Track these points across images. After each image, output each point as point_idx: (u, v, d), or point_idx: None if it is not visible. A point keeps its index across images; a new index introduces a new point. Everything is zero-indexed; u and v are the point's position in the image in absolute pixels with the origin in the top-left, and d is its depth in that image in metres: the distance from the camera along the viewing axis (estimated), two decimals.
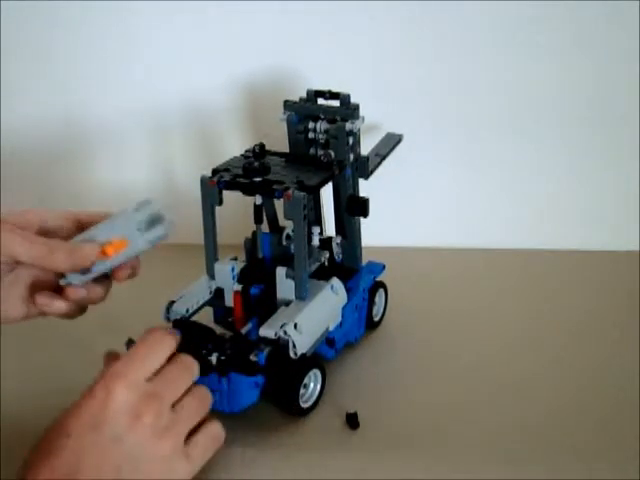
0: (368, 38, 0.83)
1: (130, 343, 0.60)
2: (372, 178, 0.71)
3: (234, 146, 0.82)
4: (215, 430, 0.52)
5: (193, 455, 0.49)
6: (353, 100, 0.68)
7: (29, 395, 0.65)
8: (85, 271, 0.54)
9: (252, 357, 0.58)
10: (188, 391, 0.51)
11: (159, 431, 0.47)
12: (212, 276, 0.66)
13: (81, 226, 0.56)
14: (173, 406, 0.49)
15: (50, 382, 0.67)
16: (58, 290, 0.56)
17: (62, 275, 0.55)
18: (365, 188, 0.71)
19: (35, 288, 0.56)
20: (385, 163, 0.74)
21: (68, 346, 0.72)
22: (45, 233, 0.55)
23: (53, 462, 0.44)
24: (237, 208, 0.67)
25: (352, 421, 0.62)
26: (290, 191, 0.59)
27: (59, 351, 0.72)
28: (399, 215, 0.88)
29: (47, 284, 0.56)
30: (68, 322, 0.74)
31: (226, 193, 0.62)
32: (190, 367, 0.52)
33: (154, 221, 0.54)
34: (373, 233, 0.74)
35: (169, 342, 0.51)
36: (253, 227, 0.66)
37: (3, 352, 0.69)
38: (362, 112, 0.67)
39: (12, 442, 0.59)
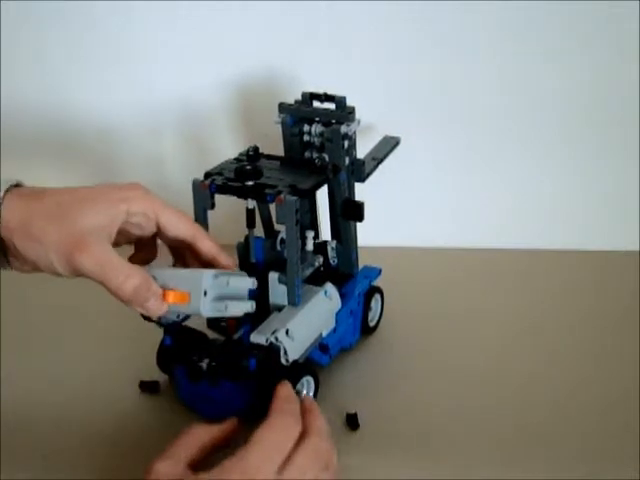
0: (365, 40, 0.82)
1: (143, 385, 0.65)
2: (370, 179, 0.70)
3: (229, 148, 0.81)
4: None
5: None
6: (349, 103, 0.67)
7: (29, 395, 0.65)
8: None
9: (243, 363, 0.58)
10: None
11: None
12: None
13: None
14: None
15: (50, 381, 0.67)
16: None
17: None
18: (363, 189, 0.70)
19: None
20: (383, 164, 0.73)
21: (68, 347, 0.72)
22: None
23: None
24: (231, 210, 0.66)
25: (352, 422, 0.62)
26: (282, 195, 0.59)
27: (59, 351, 0.72)
28: (397, 215, 0.88)
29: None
30: (68, 322, 0.74)
31: (221, 195, 0.62)
32: (322, 457, 0.50)
33: (225, 296, 0.54)
34: (370, 234, 0.73)
35: (294, 428, 0.50)
36: (247, 231, 0.65)
37: (3, 352, 0.70)
38: (358, 115, 0.67)
39: (12, 442, 0.59)
